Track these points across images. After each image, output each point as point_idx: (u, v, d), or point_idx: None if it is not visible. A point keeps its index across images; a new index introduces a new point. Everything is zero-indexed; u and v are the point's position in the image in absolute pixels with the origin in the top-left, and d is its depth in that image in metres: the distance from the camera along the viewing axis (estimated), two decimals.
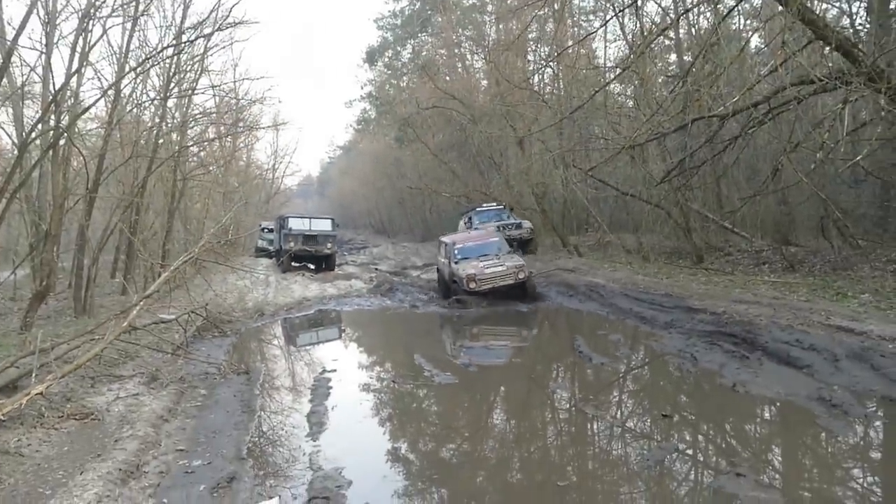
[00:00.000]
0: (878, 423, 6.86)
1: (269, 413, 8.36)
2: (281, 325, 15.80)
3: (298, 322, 16.14)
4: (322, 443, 7.05)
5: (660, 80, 22.35)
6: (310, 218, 27.46)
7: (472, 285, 15.33)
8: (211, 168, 26.19)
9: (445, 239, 17.90)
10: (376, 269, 27.76)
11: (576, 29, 26.82)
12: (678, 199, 17.54)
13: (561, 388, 9.25)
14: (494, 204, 25.14)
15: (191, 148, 21.78)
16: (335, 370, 10.45)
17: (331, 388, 9.33)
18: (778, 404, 7.49)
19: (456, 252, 16.69)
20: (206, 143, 24.18)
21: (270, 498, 5.52)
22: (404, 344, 12.09)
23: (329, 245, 26.25)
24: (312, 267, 27.27)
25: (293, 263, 26.01)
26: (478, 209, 24.56)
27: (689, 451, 6.58)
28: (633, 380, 9.60)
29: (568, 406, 8.38)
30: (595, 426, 7.44)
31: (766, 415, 7.47)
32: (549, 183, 25.16)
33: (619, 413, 7.97)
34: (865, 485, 5.62)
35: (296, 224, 26.27)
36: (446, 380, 9.46)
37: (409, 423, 8.16)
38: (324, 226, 26.79)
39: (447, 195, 34.67)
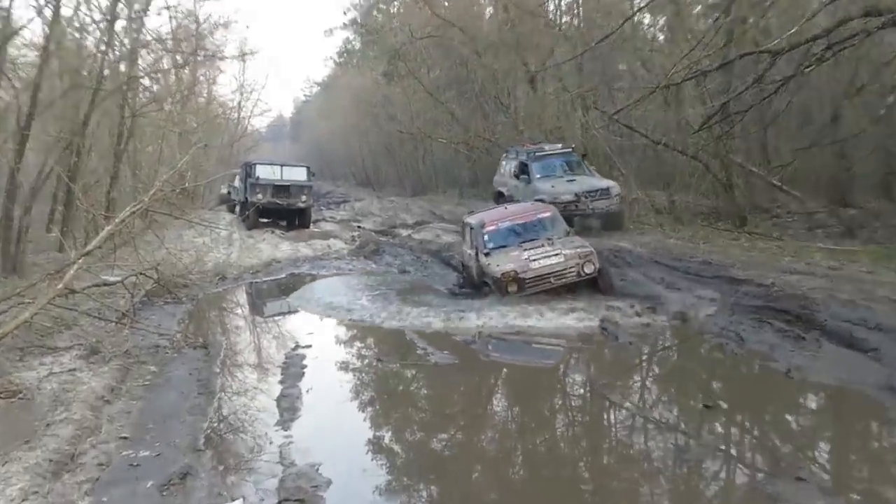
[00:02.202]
0: None
1: (232, 395, 8.27)
2: (246, 291, 15.64)
3: (267, 288, 16.00)
4: (295, 433, 6.94)
5: (698, 10, 21.92)
6: (281, 165, 27.14)
7: (513, 288, 11.94)
8: (165, 104, 25.74)
9: (471, 219, 14.21)
10: (359, 227, 27.41)
11: None
12: (719, 150, 17.26)
13: (580, 371, 9.21)
14: (560, 146, 20.55)
15: (142, 80, 21.45)
16: (310, 345, 10.31)
17: (305, 366, 9.22)
18: (841, 394, 7.40)
19: (485, 238, 13.11)
20: (159, 75, 23.79)
21: (234, 499, 5.32)
22: (403, 310, 11.97)
23: (303, 198, 25.99)
24: (284, 223, 27.06)
25: (261, 219, 25.74)
26: (538, 153, 19.97)
27: (737, 450, 6.49)
28: (667, 362, 9.52)
29: (588, 393, 8.32)
30: (620, 416, 7.37)
31: (829, 406, 7.41)
32: (565, 128, 24.79)
33: (649, 402, 7.89)
34: None
35: (265, 172, 25.94)
36: (444, 359, 9.33)
37: (400, 412, 8.09)
38: (297, 175, 26.49)
39: (444, 141, 34.32)
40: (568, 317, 10.83)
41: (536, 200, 16.20)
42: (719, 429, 6.92)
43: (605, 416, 7.53)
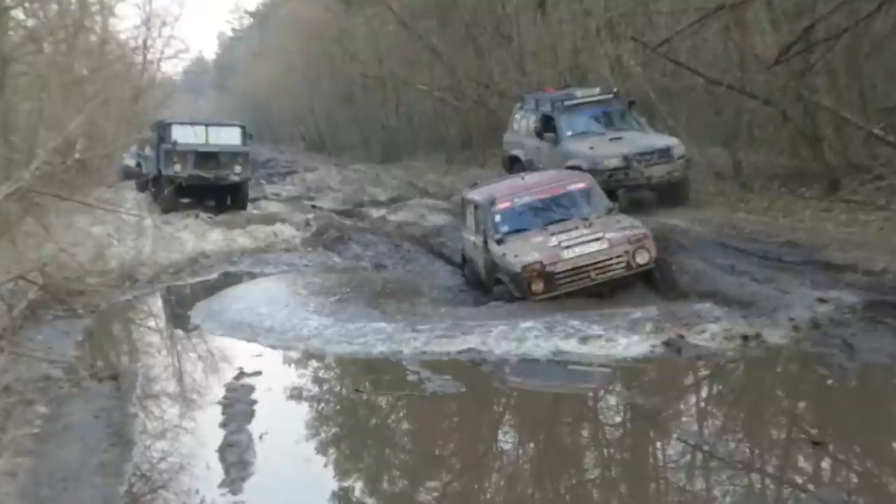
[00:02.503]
0: None
1: (157, 446, 8.19)
2: (164, 299, 15.73)
3: (192, 293, 16.05)
4: (247, 497, 6.87)
5: None
6: (206, 125, 27.06)
7: (539, 287, 11.64)
8: (46, 44, 25.33)
9: (474, 195, 14.16)
10: (314, 206, 27.61)
11: None
12: (800, 91, 17.11)
13: (635, 399, 9.05)
14: (597, 91, 20.05)
15: (13, 11, 20.97)
16: (259, 372, 10.19)
17: (255, 402, 9.10)
18: None
19: (497, 220, 12.95)
20: (36, 4, 23.33)
21: None
22: (372, 329, 11.74)
23: (237, 168, 25.89)
24: (212, 203, 27.06)
25: (181, 199, 25.61)
26: (567, 101, 19.42)
27: None
28: (753, 384, 9.43)
29: (643, 427, 8.28)
30: (691, 459, 7.32)
31: None
32: (588, 66, 24.69)
33: (733, 440, 7.76)
34: None
35: (184, 135, 25.77)
36: (444, 387, 9.22)
37: (389, 464, 8.11)
38: (229, 137, 26.40)
39: (424, 88, 34.22)
40: (627, 332, 10.05)
41: (568, 167, 16.05)
42: (837, 474, 6.86)
43: (671, 460, 7.42)
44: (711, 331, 9.86)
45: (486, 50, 32.50)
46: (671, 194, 17.85)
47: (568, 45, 25.63)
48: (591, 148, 17.65)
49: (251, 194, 27.94)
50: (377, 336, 11.05)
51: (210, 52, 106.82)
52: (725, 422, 8.44)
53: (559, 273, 11.49)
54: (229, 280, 16.80)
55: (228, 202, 26.61)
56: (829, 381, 8.81)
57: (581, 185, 13.30)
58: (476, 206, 13.57)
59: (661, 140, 18.27)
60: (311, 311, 12.86)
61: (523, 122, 20.60)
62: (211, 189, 26.38)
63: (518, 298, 11.73)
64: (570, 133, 18.53)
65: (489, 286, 12.86)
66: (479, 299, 12.79)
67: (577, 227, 12.18)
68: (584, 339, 9.94)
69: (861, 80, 19.00)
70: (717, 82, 19.17)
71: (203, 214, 24.65)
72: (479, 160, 32.56)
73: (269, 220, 23.55)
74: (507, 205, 12.94)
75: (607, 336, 9.94)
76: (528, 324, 10.58)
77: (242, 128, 27.27)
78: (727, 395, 9.18)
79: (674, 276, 12.02)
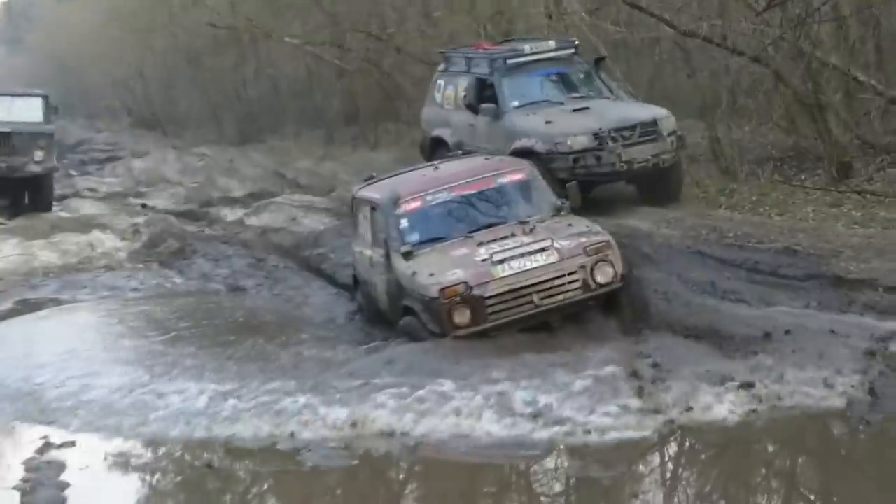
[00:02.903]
0: None
1: None
2: None
3: None
4: None
5: None
6: None
7: (463, 317, 11.42)
8: None
9: (370, 192, 14.10)
10: (144, 206, 27.72)
11: None
12: (799, 44, 17.32)
13: (584, 467, 9.06)
14: (552, 45, 19.44)
15: None
16: (73, 442, 10.12)
17: (66, 485, 8.99)
18: None
19: (402, 226, 12.86)
20: None
21: None
22: (229, 374, 11.61)
23: (39, 155, 25.75)
24: (3, 204, 26.88)
25: None
26: (510, 59, 18.94)
27: None
28: (750, 452, 9.40)
29: None
30: None
31: None
32: (517, 12, 24.76)
33: None
34: None
35: None
36: (329, 459, 9.17)
37: None
38: (25, 112, 26.30)
39: (294, 41, 34.16)
40: (592, 404, 9.36)
41: (515, 151, 15.97)
42: None
43: None
44: (719, 404, 9.13)
45: None
46: (658, 186, 17.56)
47: None
48: (549, 122, 17.19)
49: (58, 190, 28.02)
50: (193, 403, 10.50)
51: None
52: (703, 496, 8.49)
53: (490, 297, 11.29)
54: (27, 311, 16.54)
55: (26, 201, 26.61)
56: (845, 439, 8.91)
57: (518, 177, 13.19)
58: (373, 208, 13.32)
59: (644, 111, 18.03)
60: (121, 359, 12.57)
61: (449, 89, 20.23)
62: (1, 183, 26.14)
63: (434, 334, 11.41)
64: (515, 103, 18.15)
65: (393, 318, 12.63)
66: (375, 337, 12.71)
67: (513, 234, 12.03)
68: (526, 417, 9.38)
69: (878, 29, 19.34)
70: (690, 34, 19.35)
71: None
72: (370, 140, 32.72)
73: (84, 225, 23.43)
74: (416, 205, 12.76)
75: (561, 412, 9.33)
76: (442, 385, 10.02)
77: (45, 98, 27.27)
78: (709, 461, 9.26)
79: (647, 302, 11.89)
